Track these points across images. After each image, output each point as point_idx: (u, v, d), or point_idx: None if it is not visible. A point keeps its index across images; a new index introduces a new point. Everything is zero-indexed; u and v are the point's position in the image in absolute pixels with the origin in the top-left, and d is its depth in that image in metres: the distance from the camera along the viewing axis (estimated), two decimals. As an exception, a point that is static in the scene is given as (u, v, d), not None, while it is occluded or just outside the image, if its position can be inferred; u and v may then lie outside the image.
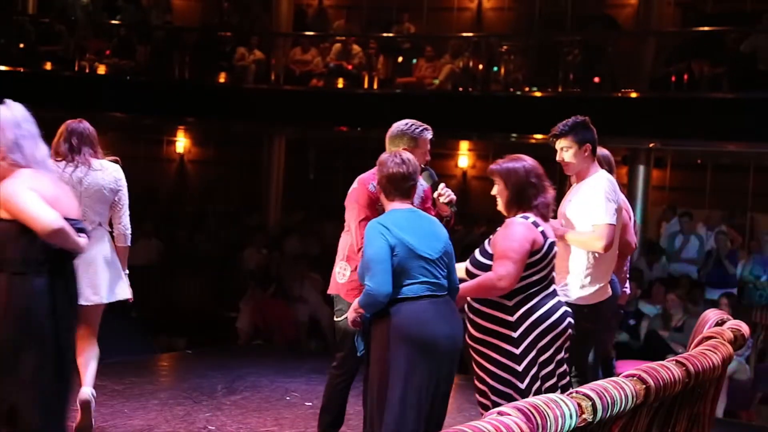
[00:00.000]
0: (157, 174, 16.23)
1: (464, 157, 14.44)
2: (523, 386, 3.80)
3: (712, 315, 4.27)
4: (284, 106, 12.75)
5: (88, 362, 4.73)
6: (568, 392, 2.63)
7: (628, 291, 5.33)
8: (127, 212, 4.89)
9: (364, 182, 4.37)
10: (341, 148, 13.91)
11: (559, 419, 2.42)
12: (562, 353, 3.93)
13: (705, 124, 10.60)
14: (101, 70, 13.34)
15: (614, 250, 4.56)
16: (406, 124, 4.51)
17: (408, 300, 3.76)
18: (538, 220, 3.91)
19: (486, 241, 4.00)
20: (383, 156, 4.01)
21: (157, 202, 14.67)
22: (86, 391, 4.63)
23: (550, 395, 2.50)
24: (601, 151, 5.03)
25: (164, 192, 15.39)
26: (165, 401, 5.70)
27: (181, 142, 16.19)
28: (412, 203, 3.97)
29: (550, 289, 3.95)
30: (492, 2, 14.90)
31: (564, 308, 3.96)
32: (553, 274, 4.01)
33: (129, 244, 4.91)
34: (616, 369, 5.49)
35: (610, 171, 4.94)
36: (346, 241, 4.42)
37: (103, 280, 4.69)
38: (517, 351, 3.81)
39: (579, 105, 11.51)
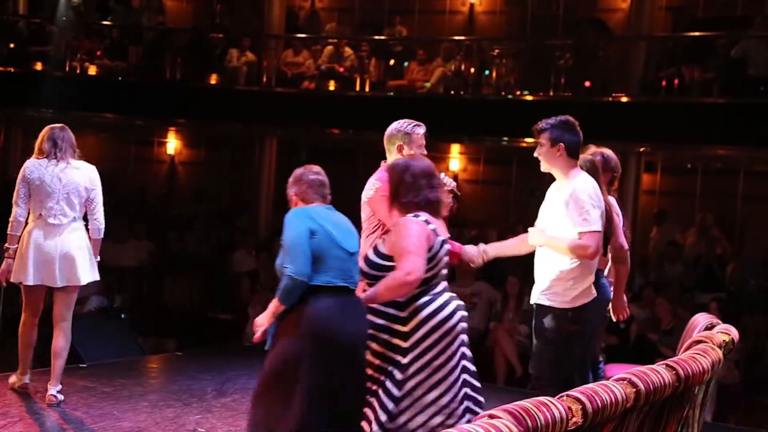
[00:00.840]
0: (148, 175, 16.18)
1: (455, 161, 14.45)
2: (400, 376, 3.80)
3: (701, 319, 4.30)
4: (276, 108, 12.74)
5: (60, 352, 5.40)
6: (559, 395, 2.63)
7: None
8: (101, 208, 5.47)
9: (385, 179, 4.31)
10: (333, 151, 13.90)
11: (550, 422, 2.42)
12: (456, 347, 3.89)
13: (695, 128, 10.63)
14: (92, 70, 13.31)
15: (600, 255, 4.56)
16: (400, 122, 4.65)
17: (323, 291, 3.82)
18: (430, 218, 3.94)
19: (379, 243, 4.02)
20: (298, 171, 4.19)
21: (147, 203, 14.63)
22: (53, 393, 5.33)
23: (542, 398, 2.50)
24: (608, 154, 5.04)
25: (155, 193, 15.36)
26: (155, 403, 5.68)
27: (172, 144, 16.15)
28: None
29: (441, 287, 3.96)
30: (484, 5, 14.92)
31: (455, 303, 3.95)
32: (444, 271, 3.99)
33: (102, 236, 5.54)
34: (605, 372, 5.50)
35: (612, 177, 4.94)
36: (365, 245, 4.39)
37: (79, 267, 5.39)
38: (406, 344, 3.82)
39: (570, 109, 11.54)
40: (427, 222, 3.90)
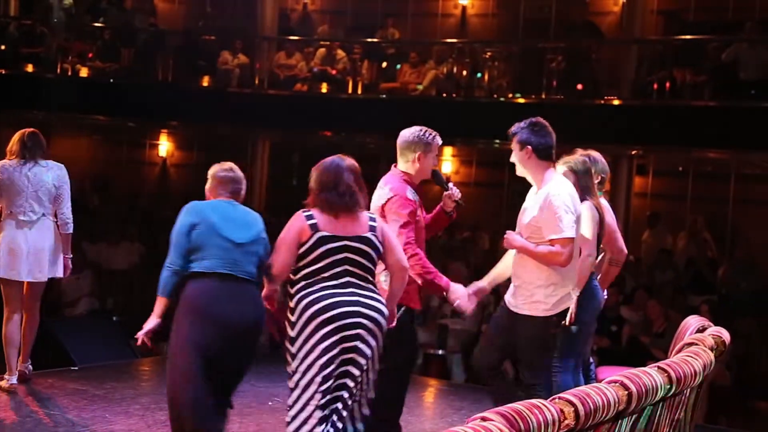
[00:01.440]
0: (140, 177, 16.16)
1: (448, 163, 14.46)
2: (293, 366, 3.96)
3: (693, 322, 4.31)
4: (268, 111, 12.73)
5: (28, 332, 5.72)
6: (551, 398, 2.64)
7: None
8: (69, 204, 5.75)
9: (399, 191, 4.42)
10: (325, 153, 13.84)
11: (542, 424, 2.43)
12: (335, 346, 3.90)
13: (687, 131, 10.67)
14: (84, 72, 13.28)
15: (575, 260, 4.49)
16: (420, 130, 4.66)
17: (199, 275, 4.14)
18: (318, 214, 4.01)
19: None
20: (212, 168, 4.53)
21: (139, 205, 14.60)
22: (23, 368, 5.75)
23: (534, 401, 2.51)
24: (594, 156, 5.02)
25: (147, 196, 15.33)
26: (147, 406, 5.67)
27: (164, 146, 16.13)
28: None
29: (339, 287, 3.96)
30: (476, 8, 14.94)
31: (353, 308, 3.93)
32: (345, 268, 3.97)
33: (71, 231, 5.75)
34: (597, 375, 5.51)
35: (601, 179, 4.93)
36: None
37: (45, 262, 5.61)
38: (293, 333, 3.97)
39: (562, 112, 11.64)
40: (310, 217, 4.00)
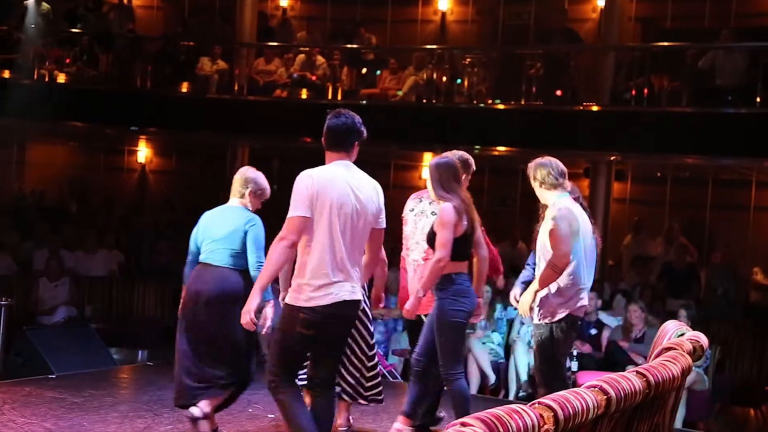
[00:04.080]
0: (118, 184, 16.06)
1: (428, 169, 14.48)
2: None
3: (671, 326, 4.33)
4: (247, 117, 12.70)
5: None
6: (530, 403, 2.64)
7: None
8: None
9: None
10: (305, 159, 13.84)
11: (521, 429, 2.43)
12: None
13: (665, 137, 10.74)
14: (61, 78, 13.18)
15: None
16: (454, 156, 5.23)
17: (199, 264, 5.15)
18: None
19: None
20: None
21: (117, 212, 14.51)
22: None
23: (514, 406, 2.51)
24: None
25: (125, 202, 15.24)
26: (125, 414, 5.63)
27: (143, 152, 16.04)
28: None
29: None
30: (455, 15, 14.98)
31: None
32: None
33: None
34: (576, 380, 5.53)
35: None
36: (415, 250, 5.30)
37: None
38: None
39: (541, 118, 11.70)
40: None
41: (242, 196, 5.21)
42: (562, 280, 4.99)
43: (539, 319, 5.05)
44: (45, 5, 13.41)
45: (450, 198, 4.89)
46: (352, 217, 4.11)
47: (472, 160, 5.31)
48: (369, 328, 5.26)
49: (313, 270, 4.04)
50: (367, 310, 5.20)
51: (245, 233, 5.03)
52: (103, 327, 9.33)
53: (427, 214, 5.30)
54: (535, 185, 5.08)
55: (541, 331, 5.05)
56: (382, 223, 4.28)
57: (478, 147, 11.54)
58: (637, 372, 3.24)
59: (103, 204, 14.78)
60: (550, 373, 5.04)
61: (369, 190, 4.23)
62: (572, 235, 4.92)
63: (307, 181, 4.14)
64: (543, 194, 5.08)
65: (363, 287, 4.54)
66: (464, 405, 4.86)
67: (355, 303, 4.13)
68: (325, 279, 4.02)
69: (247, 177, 5.24)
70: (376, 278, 4.92)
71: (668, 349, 3.79)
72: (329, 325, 4.05)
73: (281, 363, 4.11)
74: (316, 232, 4.06)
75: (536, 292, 4.98)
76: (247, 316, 4.09)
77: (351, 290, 4.09)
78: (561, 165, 5.09)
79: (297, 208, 4.07)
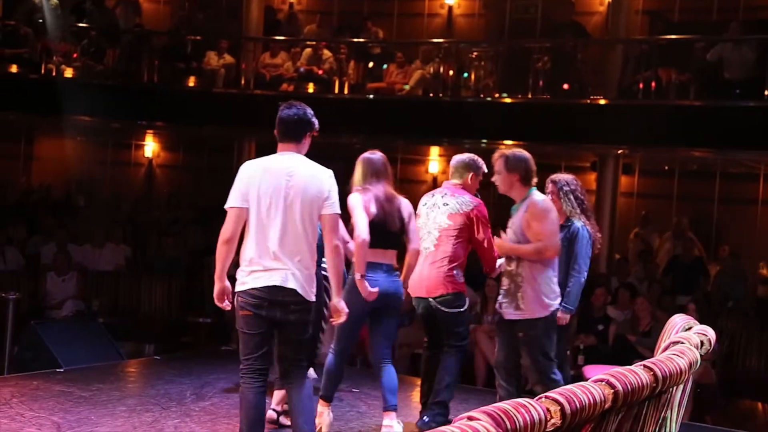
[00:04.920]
0: (126, 179, 16.09)
1: (435, 163, 14.47)
2: None
3: (679, 320, 4.32)
4: (254, 111, 12.69)
5: None
6: (537, 397, 2.64)
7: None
8: None
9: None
10: (311, 153, 13.86)
11: (528, 423, 2.43)
12: None
13: (672, 131, 10.71)
14: (68, 73, 13.20)
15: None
16: (473, 156, 5.57)
17: None
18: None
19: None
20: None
21: (124, 207, 14.53)
22: None
23: (520, 400, 2.51)
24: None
25: (132, 197, 15.27)
26: (133, 408, 5.65)
27: (150, 147, 16.07)
28: None
29: None
30: (462, 8, 14.96)
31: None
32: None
33: None
34: (584, 373, 5.53)
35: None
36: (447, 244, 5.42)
37: None
38: None
39: (548, 111, 11.67)
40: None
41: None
42: (549, 274, 5.14)
43: (527, 315, 5.12)
44: (53, 0, 13.43)
45: (359, 190, 5.13)
46: (283, 205, 4.17)
47: (481, 162, 5.57)
48: (322, 315, 5.30)
49: (246, 257, 4.20)
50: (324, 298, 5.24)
51: None
52: (110, 321, 9.35)
53: (438, 205, 5.48)
54: (511, 178, 5.21)
55: (529, 327, 5.13)
56: (331, 209, 4.26)
57: (485, 141, 11.54)
58: (645, 366, 3.23)
59: (110, 198, 14.80)
60: (541, 370, 5.13)
61: (308, 178, 4.25)
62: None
63: (240, 173, 4.27)
64: (519, 188, 5.22)
65: (319, 276, 4.58)
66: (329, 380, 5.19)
67: (289, 291, 4.16)
68: (256, 266, 4.15)
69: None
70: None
71: (676, 342, 3.78)
72: (262, 308, 4.16)
73: (240, 349, 4.28)
74: (249, 221, 4.19)
75: (513, 250, 5.18)
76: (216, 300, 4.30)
77: (283, 277, 4.15)
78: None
79: (228, 200, 4.24)
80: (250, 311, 4.17)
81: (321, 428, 5.10)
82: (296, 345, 4.28)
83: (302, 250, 4.20)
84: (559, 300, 5.28)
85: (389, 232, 5.08)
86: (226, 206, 4.20)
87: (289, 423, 4.79)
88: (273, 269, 4.15)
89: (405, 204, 5.20)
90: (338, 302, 4.39)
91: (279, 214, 4.17)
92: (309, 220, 4.21)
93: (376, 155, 5.23)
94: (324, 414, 5.18)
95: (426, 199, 5.61)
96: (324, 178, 4.29)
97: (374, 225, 4.96)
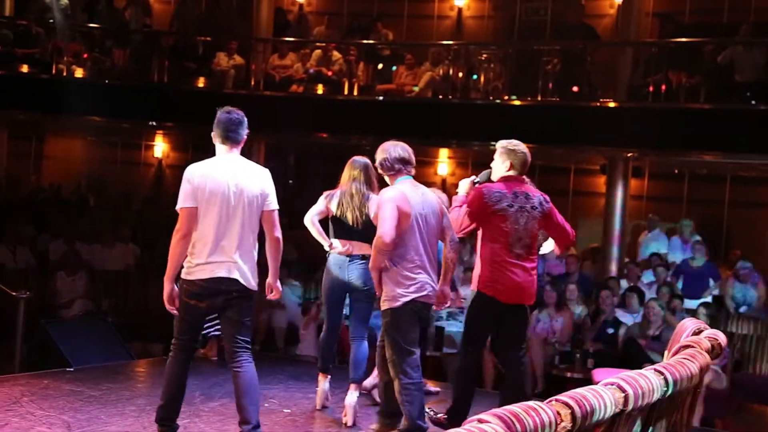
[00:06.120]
0: (135, 179, 16.14)
1: (444, 165, 14.47)
2: None
3: (689, 324, 4.31)
4: (264, 112, 12.70)
5: None
6: (547, 400, 2.64)
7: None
8: None
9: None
10: (320, 154, 13.90)
11: (539, 426, 2.42)
12: None
13: (682, 134, 10.68)
14: (79, 73, 13.25)
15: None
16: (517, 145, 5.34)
17: None
18: None
19: None
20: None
21: (134, 206, 14.57)
22: None
23: (531, 403, 2.50)
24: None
25: (142, 197, 15.31)
26: (142, 407, 5.65)
27: (160, 147, 16.11)
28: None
29: None
30: (472, 10, 14.96)
31: None
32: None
33: None
34: (593, 377, 5.52)
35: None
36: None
37: None
38: None
39: (557, 114, 11.65)
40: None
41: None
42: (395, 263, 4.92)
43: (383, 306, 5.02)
44: (64, 0, 13.48)
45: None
46: (229, 203, 4.54)
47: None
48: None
49: (192, 250, 4.56)
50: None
51: None
52: (119, 320, 9.37)
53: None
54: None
55: (386, 318, 4.99)
56: (270, 206, 4.64)
57: (494, 143, 11.50)
58: (655, 370, 3.22)
59: (120, 198, 14.84)
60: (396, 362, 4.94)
61: (250, 177, 4.63)
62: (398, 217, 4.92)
63: (187, 174, 4.65)
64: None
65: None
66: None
67: (232, 280, 4.54)
68: (200, 258, 4.54)
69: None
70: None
71: (686, 347, 3.77)
72: (205, 297, 4.55)
73: (175, 327, 4.70)
74: (199, 218, 4.55)
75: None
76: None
77: (227, 269, 4.53)
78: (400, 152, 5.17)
79: (180, 201, 4.60)
80: (194, 300, 4.57)
81: (318, 396, 5.87)
82: (238, 325, 4.62)
83: (246, 244, 4.58)
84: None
85: (341, 225, 5.62)
86: (177, 207, 4.59)
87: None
88: (218, 261, 4.53)
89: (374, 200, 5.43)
90: (275, 282, 4.80)
91: (225, 212, 4.54)
92: (254, 215, 4.61)
93: (361, 159, 5.69)
94: (321, 383, 5.87)
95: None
96: (265, 177, 4.69)
97: (332, 219, 5.62)
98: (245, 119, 4.81)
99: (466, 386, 5.25)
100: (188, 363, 4.75)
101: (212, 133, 4.81)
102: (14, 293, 7.75)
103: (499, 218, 5.04)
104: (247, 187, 4.58)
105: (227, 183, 4.57)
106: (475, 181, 5.39)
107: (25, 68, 13.11)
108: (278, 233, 4.69)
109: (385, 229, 4.83)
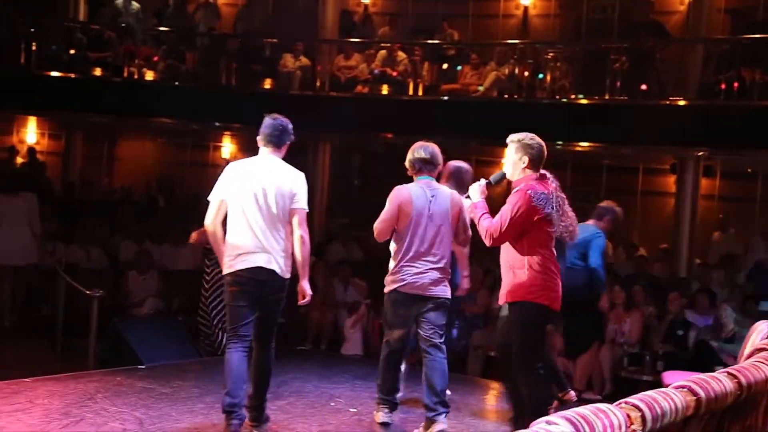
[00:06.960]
0: (204, 179, 16.37)
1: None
2: None
3: (764, 326, 4.21)
4: (329, 113, 12.80)
5: None
6: (617, 402, 2.61)
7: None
8: None
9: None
10: (385, 155, 13.93)
11: (608, 429, 2.40)
12: None
13: (755, 132, 10.43)
14: (149, 76, 13.52)
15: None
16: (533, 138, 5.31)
17: None
18: None
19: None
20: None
21: (203, 207, 14.78)
22: None
23: (600, 405, 2.48)
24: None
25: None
26: (211, 405, 5.74)
27: (227, 148, 16.33)
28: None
29: None
30: (538, 9, 14.83)
31: None
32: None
33: None
34: (663, 380, 5.41)
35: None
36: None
37: None
38: None
39: (626, 113, 11.48)
40: None
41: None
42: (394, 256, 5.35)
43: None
44: (135, 4, 13.77)
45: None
46: (265, 200, 4.90)
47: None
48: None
49: (230, 244, 4.94)
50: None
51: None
52: (189, 319, 9.53)
53: None
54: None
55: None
56: (297, 205, 4.95)
57: (560, 143, 11.42)
58: (728, 373, 3.16)
59: (189, 198, 15.09)
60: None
61: (282, 176, 4.99)
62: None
63: (225, 172, 5.11)
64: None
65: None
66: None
67: (270, 271, 4.88)
68: (239, 250, 4.89)
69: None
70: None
71: (761, 349, 3.69)
72: (247, 285, 4.87)
73: (228, 320, 5.03)
74: (235, 212, 4.94)
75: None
76: None
77: (267, 259, 4.87)
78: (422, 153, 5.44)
79: (211, 195, 5.06)
80: (237, 288, 4.88)
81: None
82: (274, 315, 5.01)
83: (281, 237, 4.90)
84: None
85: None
86: (210, 198, 5.05)
87: None
88: (255, 252, 4.86)
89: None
90: (307, 286, 5.01)
91: (258, 208, 4.90)
92: (286, 212, 4.92)
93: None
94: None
95: None
96: (296, 179, 5.03)
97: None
98: (290, 126, 5.17)
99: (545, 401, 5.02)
100: (244, 351, 4.96)
101: (257, 137, 5.15)
102: (88, 292, 7.94)
103: (547, 223, 4.84)
104: (279, 185, 4.94)
105: (263, 181, 4.94)
106: (489, 182, 5.10)
107: (98, 71, 13.43)
108: (303, 232, 4.93)
109: (375, 224, 5.31)
